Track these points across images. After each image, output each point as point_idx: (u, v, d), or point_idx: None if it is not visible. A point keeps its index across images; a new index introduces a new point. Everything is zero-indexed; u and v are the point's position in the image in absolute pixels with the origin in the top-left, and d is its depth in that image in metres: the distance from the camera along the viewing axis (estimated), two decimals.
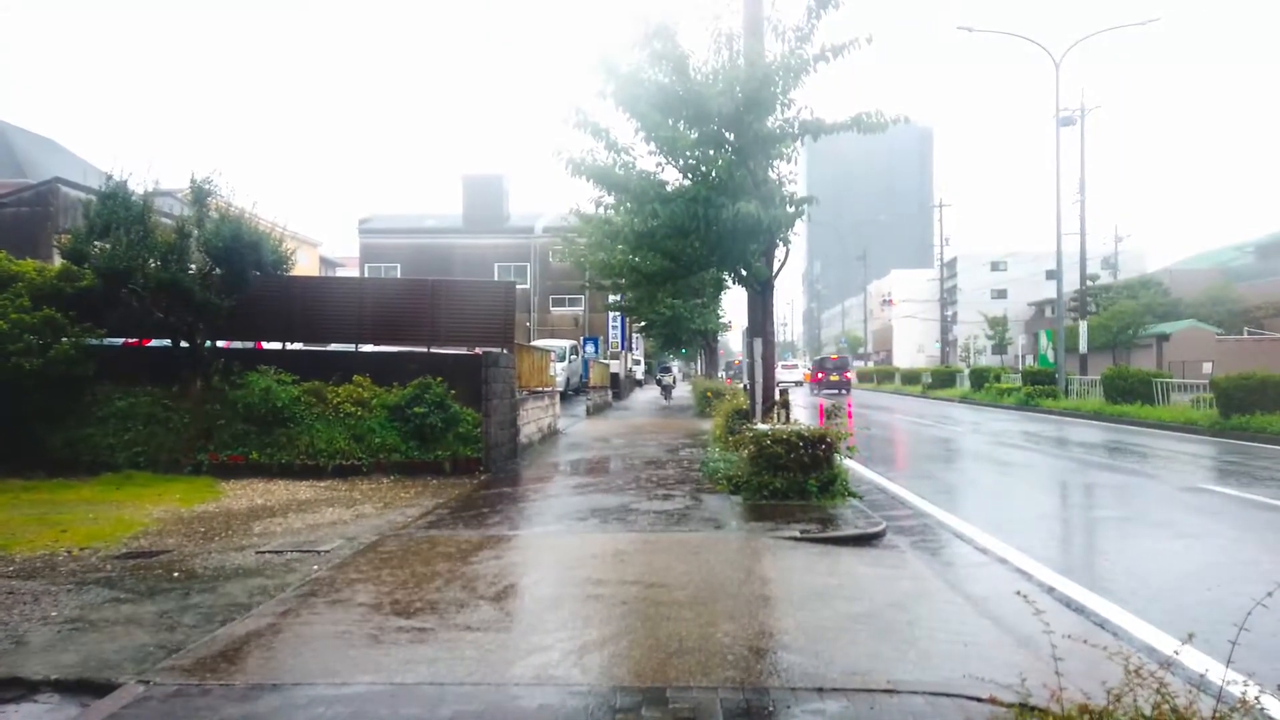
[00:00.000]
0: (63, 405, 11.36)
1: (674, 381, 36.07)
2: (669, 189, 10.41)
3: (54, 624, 5.10)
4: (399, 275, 40.72)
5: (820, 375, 40.86)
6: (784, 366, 55.77)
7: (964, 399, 35.40)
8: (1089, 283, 38.29)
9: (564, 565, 6.45)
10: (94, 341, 11.69)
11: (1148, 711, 2.86)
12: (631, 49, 9.71)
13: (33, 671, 4.30)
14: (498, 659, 4.35)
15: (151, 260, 11.30)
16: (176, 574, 6.30)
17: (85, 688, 4.14)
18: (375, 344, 13.92)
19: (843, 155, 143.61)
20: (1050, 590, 5.97)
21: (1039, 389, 29.05)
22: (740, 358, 42.54)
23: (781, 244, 11.14)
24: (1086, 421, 22.70)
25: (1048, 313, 59.59)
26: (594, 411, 25.02)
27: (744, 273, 11.08)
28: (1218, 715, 2.82)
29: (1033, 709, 3.11)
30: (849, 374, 43.59)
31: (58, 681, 4.21)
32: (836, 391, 39.17)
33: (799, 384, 52.73)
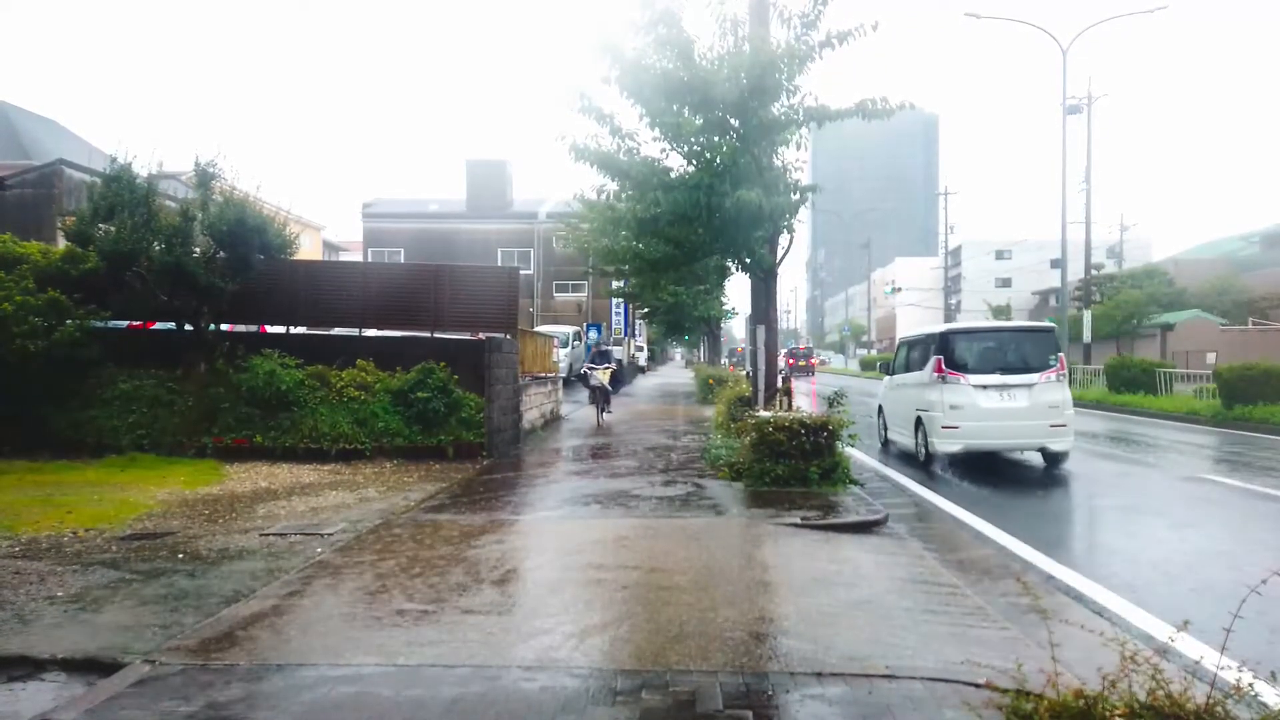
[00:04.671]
0: (67, 387, 11.41)
1: (610, 380, 18.25)
2: (673, 176, 10.39)
3: (60, 604, 5.15)
4: (402, 260, 40.66)
5: (792, 361, 51.51)
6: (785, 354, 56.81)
7: None
8: (1093, 272, 38.19)
9: (566, 550, 6.49)
10: (98, 324, 11.73)
11: (1142, 697, 2.89)
12: (636, 34, 9.67)
13: (40, 650, 4.34)
14: (500, 642, 4.39)
15: (156, 243, 11.33)
16: (181, 556, 6.35)
17: (91, 667, 4.19)
18: (379, 328, 13.94)
19: (848, 142, 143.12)
20: (1049, 578, 6.00)
21: None
22: (743, 345, 42.56)
23: (785, 231, 11.12)
24: (1089, 411, 22.68)
25: (1052, 302, 59.50)
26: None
27: (748, 260, 11.06)
28: (1211, 701, 2.84)
29: (1028, 694, 3.14)
30: (814, 360, 61.52)
31: (64, 660, 4.26)
32: (805, 373, 52.55)
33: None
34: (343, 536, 6.93)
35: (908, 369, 12.98)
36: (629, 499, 8.56)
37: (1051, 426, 11.03)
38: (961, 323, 12.33)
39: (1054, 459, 11.49)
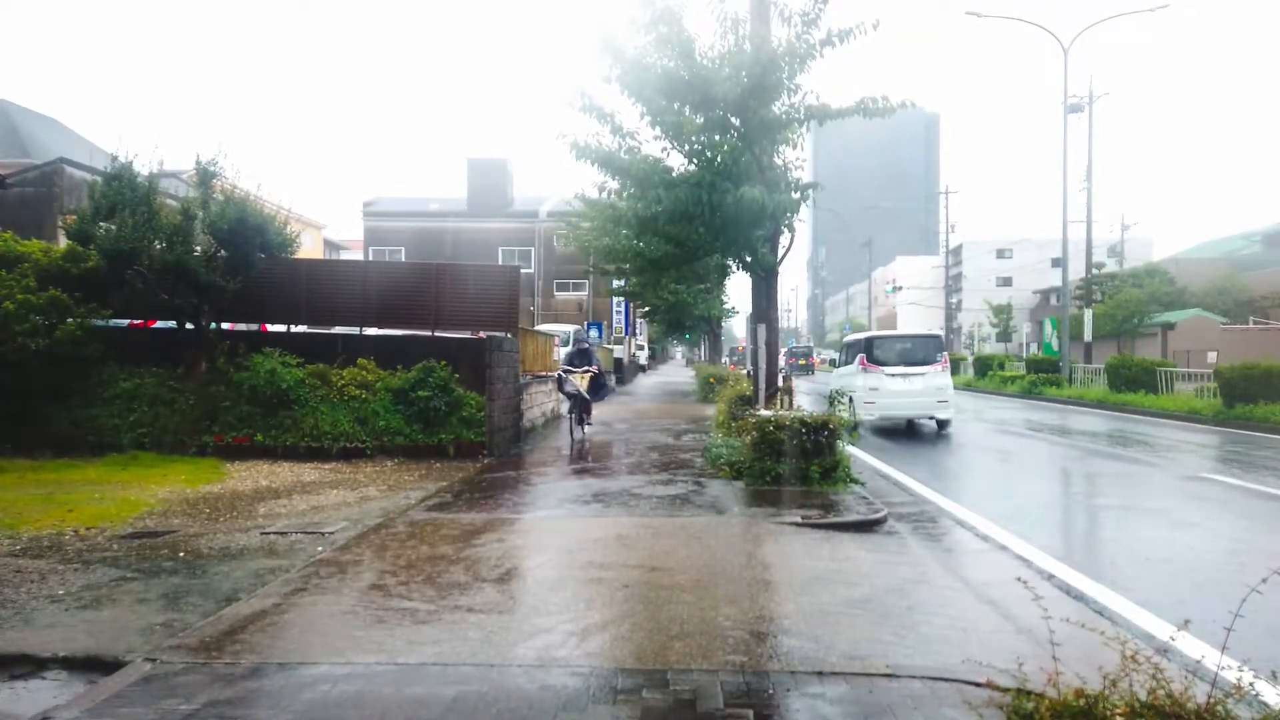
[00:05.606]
0: (69, 386, 11.41)
1: (591, 387, 14.18)
2: (674, 174, 10.39)
3: (62, 602, 5.15)
4: (403, 258, 40.70)
5: (792, 360, 53.37)
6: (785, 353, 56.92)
7: (967, 387, 35.36)
8: (1094, 271, 38.17)
9: (566, 549, 6.49)
10: (99, 322, 11.72)
11: (1143, 696, 2.90)
12: (637, 32, 9.67)
13: (41, 649, 4.35)
14: (501, 640, 4.39)
15: (157, 242, 11.32)
16: (182, 554, 6.35)
17: (93, 665, 4.20)
18: (380, 327, 13.93)
19: (848, 141, 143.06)
20: (1050, 577, 6.00)
21: (1043, 377, 29.02)
22: (744, 344, 42.59)
23: (786, 230, 11.12)
24: (1090, 410, 22.69)
25: (1053, 301, 59.51)
26: None
27: (749, 258, 11.07)
28: (1212, 700, 2.85)
29: (1029, 693, 3.15)
30: (814, 359, 62.66)
31: (66, 659, 4.26)
32: (805, 371, 54.23)
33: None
34: (344, 535, 6.94)
35: (847, 363, 17.96)
36: (630, 498, 8.56)
37: (938, 402, 16.09)
38: (878, 331, 22.01)
39: (941, 424, 16.50)
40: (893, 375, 16.10)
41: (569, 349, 14.61)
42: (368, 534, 6.95)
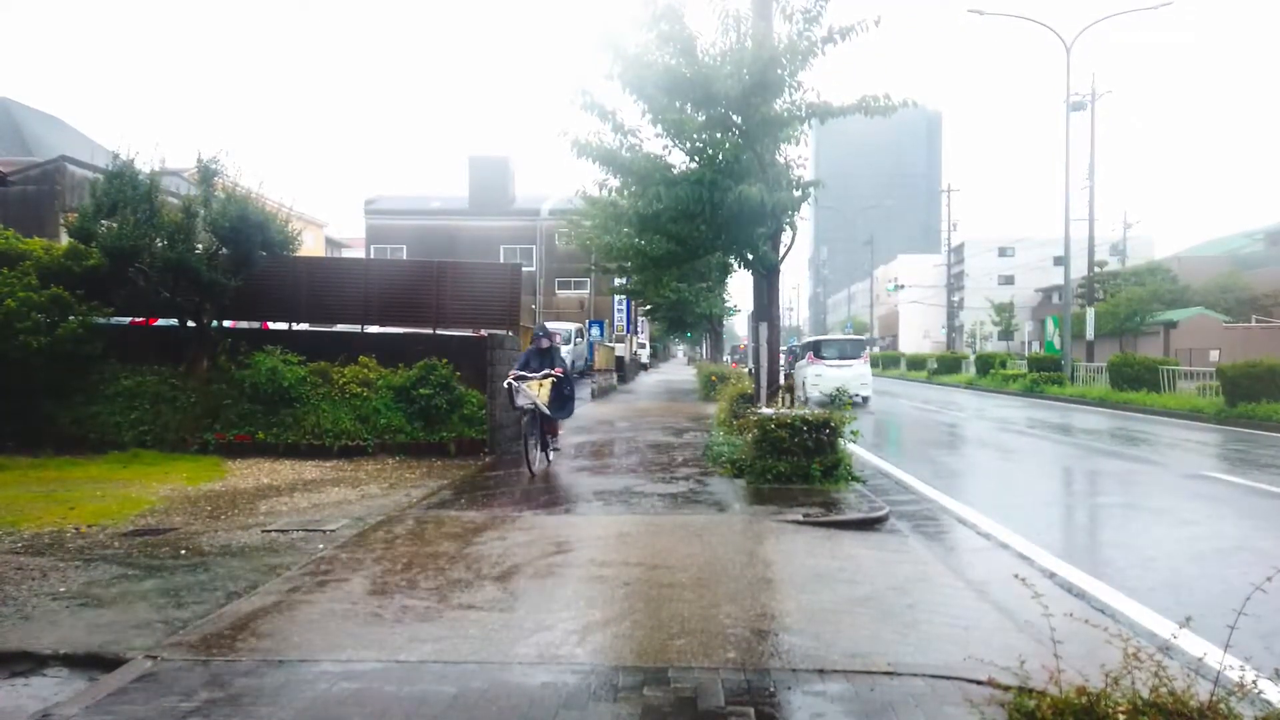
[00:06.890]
0: (70, 384, 11.41)
1: (553, 398, 10.09)
2: (675, 172, 10.38)
3: (62, 599, 5.15)
4: (405, 256, 40.71)
5: (790, 358, 53.56)
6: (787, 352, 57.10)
7: (969, 385, 35.36)
8: (1097, 269, 38.12)
9: (567, 546, 6.48)
10: (101, 320, 11.72)
11: (1145, 694, 2.89)
12: (639, 30, 9.66)
13: (42, 646, 4.35)
14: (501, 638, 4.38)
15: (158, 239, 11.33)
16: (183, 552, 6.35)
17: (94, 662, 4.19)
18: (381, 325, 13.94)
19: (850, 139, 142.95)
20: (1051, 575, 5.99)
21: (1045, 375, 29.01)
22: (745, 342, 42.58)
23: (788, 228, 11.11)
24: (1092, 408, 22.67)
25: (1055, 299, 59.45)
26: (598, 395, 25.04)
27: (750, 257, 11.05)
28: (1214, 698, 2.84)
29: (1031, 691, 3.14)
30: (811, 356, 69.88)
31: (66, 656, 4.26)
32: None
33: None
34: (345, 533, 6.93)
35: (801, 358, 25.58)
36: (631, 495, 8.56)
37: (861, 384, 22.81)
38: (823, 335, 32.30)
39: (865, 400, 23.08)
40: (830, 366, 23.38)
41: (529, 348, 10.90)
42: (369, 532, 6.95)
